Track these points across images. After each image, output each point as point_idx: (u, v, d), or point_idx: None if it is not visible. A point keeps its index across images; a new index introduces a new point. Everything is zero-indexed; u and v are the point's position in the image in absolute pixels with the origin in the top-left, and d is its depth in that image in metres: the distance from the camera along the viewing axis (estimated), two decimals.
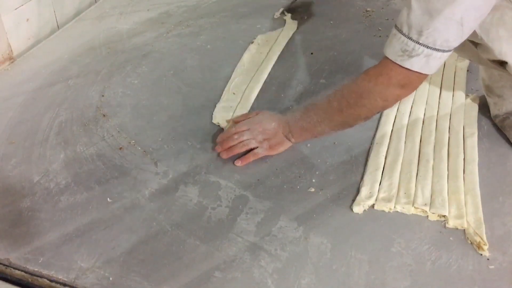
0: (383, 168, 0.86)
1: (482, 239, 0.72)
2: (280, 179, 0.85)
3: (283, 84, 1.10)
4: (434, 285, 0.69)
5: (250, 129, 0.89)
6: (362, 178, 0.84)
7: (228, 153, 0.89)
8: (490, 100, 0.96)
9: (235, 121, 0.94)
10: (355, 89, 0.80)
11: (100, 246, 0.75)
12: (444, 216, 0.77)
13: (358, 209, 0.79)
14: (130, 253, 0.74)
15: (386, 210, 0.79)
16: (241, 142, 0.88)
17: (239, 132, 0.89)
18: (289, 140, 0.88)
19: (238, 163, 0.87)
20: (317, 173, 0.85)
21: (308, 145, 0.92)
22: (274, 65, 1.16)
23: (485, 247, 0.71)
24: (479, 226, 0.75)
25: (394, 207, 0.79)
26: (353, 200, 0.81)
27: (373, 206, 0.80)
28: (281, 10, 1.39)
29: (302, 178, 0.85)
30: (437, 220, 0.77)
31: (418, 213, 0.79)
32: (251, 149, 0.88)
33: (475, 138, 0.92)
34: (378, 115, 0.98)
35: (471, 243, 0.73)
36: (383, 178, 0.84)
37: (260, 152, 0.88)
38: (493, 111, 0.95)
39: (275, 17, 1.38)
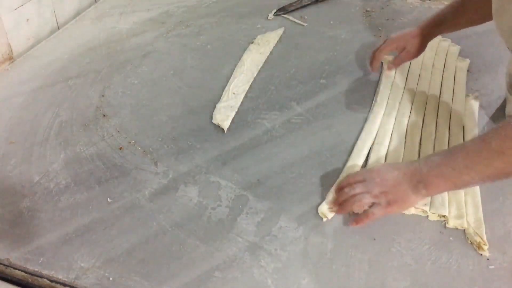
0: None
1: (482, 239, 0.72)
2: (280, 179, 0.85)
3: (283, 84, 1.10)
4: (434, 285, 0.69)
5: (365, 181, 0.74)
6: None
7: (340, 210, 0.76)
8: (510, 98, 0.93)
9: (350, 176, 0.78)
10: None
11: (100, 246, 0.75)
12: (444, 216, 0.77)
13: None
14: (130, 253, 0.74)
15: None
16: (353, 196, 0.74)
17: (351, 183, 0.75)
18: (418, 193, 0.70)
19: (352, 224, 0.74)
20: (317, 173, 0.85)
21: (309, 144, 0.92)
22: (274, 65, 1.16)
23: (485, 247, 0.72)
24: (479, 226, 0.75)
25: None
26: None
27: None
28: (274, 11, 1.40)
29: (302, 178, 0.85)
30: (437, 220, 0.77)
31: (418, 213, 0.79)
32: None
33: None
34: (379, 118, 0.98)
35: (471, 243, 0.73)
36: None
37: (376, 211, 0.72)
38: (510, 109, 0.93)
39: (269, 18, 1.38)
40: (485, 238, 0.73)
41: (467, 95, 1.02)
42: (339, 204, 0.76)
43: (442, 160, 0.69)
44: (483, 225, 0.75)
